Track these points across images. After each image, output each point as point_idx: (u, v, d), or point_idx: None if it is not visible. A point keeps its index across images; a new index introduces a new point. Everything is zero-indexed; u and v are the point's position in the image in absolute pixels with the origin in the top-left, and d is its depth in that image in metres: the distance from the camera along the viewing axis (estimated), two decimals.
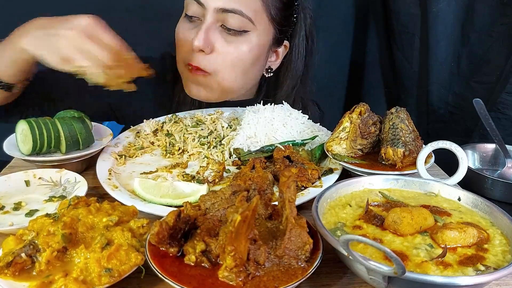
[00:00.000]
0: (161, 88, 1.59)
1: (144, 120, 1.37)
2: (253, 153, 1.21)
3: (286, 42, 1.53)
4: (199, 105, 1.54)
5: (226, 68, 1.39)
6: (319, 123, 1.38)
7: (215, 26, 1.34)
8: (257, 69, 1.50)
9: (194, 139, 1.27)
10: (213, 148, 1.26)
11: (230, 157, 1.23)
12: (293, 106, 1.38)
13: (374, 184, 0.95)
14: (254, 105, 1.39)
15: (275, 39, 1.47)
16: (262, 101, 1.39)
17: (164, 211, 0.91)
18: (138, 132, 1.34)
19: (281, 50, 1.54)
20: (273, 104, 1.35)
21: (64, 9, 2.05)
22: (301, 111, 1.36)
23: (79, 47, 1.04)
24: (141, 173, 1.15)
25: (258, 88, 1.63)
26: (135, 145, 1.28)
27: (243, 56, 1.39)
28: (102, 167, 1.12)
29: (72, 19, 1.08)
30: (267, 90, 1.61)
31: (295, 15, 1.48)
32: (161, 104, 1.57)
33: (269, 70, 1.55)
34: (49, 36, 1.06)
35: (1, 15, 2.01)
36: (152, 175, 1.14)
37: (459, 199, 0.91)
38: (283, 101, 1.37)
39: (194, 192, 1.01)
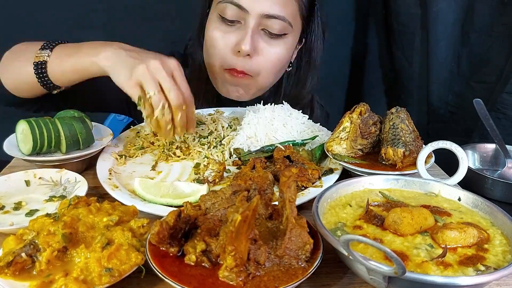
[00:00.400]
0: None
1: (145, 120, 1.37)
2: (253, 153, 1.21)
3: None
4: (217, 103, 1.56)
5: (267, 70, 1.43)
6: (319, 124, 1.38)
7: (257, 30, 1.36)
8: (285, 66, 1.55)
9: (194, 139, 1.28)
10: (213, 148, 1.26)
11: (230, 157, 1.23)
12: (312, 101, 1.46)
13: (375, 184, 0.95)
14: (254, 105, 1.39)
15: (300, 36, 1.51)
16: (278, 97, 1.48)
17: (164, 211, 0.91)
18: (138, 132, 1.34)
19: (299, 45, 1.58)
20: (273, 104, 1.35)
21: (65, 9, 2.06)
22: (318, 106, 1.43)
23: (156, 76, 1.03)
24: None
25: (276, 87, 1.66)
26: (135, 145, 1.28)
27: (282, 57, 1.44)
28: (102, 167, 1.12)
29: (160, 54, 1.09)
30: (285, 85, 1.63)
31: (314, 13, 1.51)
32: None
33: (289, 65, 1.58)
34: (131, 58, 1.07)
35: (1, 14, 2.02)
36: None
37: (459, 199, 0.91)
38: (283, 102, 1.38)
39: (194, 192, 1.01)
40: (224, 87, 1.48)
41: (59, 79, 1.20)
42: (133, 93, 1.04)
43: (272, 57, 1.41)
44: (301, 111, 1.37)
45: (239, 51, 1.36)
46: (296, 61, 1.59)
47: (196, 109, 1.48)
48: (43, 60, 1.17)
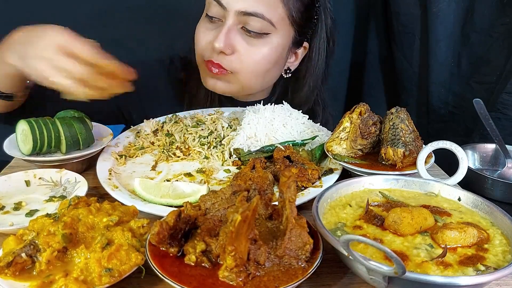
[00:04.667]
0: (170, 90, 1.61)
1: (144, 120, 1.37)
2: (253, 153, 1.21)
3: (305, 44, 1.54)
4: (210, 106, 1.56)
5: (247, 69, 1.42)
6: (319, 124, 1.38)
7: (236, 28, 1.36)
8: (276, 70, 1.52)
9: (194, 139, 1.28)
10: (213, 148, 1.26)
11: (230, 157, 1.23)
12: (314, 107, 1.46)
13: (374, 184, 0.95)
14: (254, 105, 1.39)
15: (295, 41, 1.49)
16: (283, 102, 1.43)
17: (164, 211, 0.91)
18: (138, 132, 1.34)
19: (300, 51, 1.56)
20: (273, 104, 1.35)
21: (65, 8, 2.06)
22: (321, 114, 1.44)
23: (56, 65, 1.00)
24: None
25: (272, 88, 1.65)
26: (135, 145, 1.28)
27: (264, 58, 1.41)
28: (102, 167, 1.12)
29: (45, 35, 1.03)
30: (286, 92, 1.63)
31: (315, 17, 1.50)
32: (172, 106, 1.57)
33: (287, 71, 1.57)
34: (28, 57, 1.03)
35: (1, 13, 2.02)
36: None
37: (459, 199, 0.91)
38: (283, 102, 1.37)
39: (194, 192, 1.01)
40: (205, 78, 1.49)
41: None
42: (52, 87, 1.01)
43: (252, 57, 1.39)
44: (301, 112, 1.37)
45: (213, 48, 1.36)
46: (298, 67, 1.58)
47: (196, 108, 1.51)
48: None
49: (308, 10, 1.45)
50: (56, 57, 1.00)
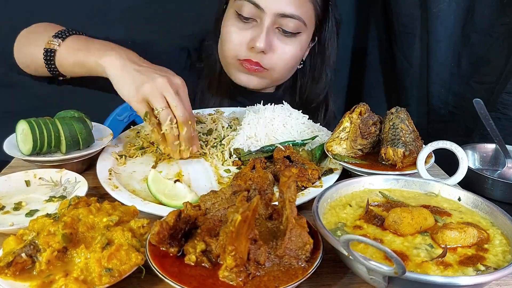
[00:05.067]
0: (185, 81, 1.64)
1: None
2: (253, 153, 1.21)
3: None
4: (220, 104, 1.61)
5: (280, 66, 1.49)
6: (319, 124, 1.38)
7: (272, 28, 1.41)
8: (298, 63, 1.61)
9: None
10: (213, 148, 1.26)
11: (230, 157, 1.23)
12: (326, 97, 1.60)
13: (375, 184, 0.95)
14: (254, 105, 1.39)
15: (313, 35, 1.56)
16: (293, 94, 1.61)
17: (164, 211, 0.91)
18: (138, 132, 1.34)
19: (311, 43, 1.63)
20: (273, 104, 1.36)
21: (65, 7, 2.06)
22: (332, 104, 1.58)
23: (163, 93, 1.06)
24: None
25: None
26: (135, 145, 1.28)
27: (295, 54, 1.50)
28: (102, 167, 1.12)
29: (166, 70, 1.13)
30: (300, 83, 1.69)
31: (328, 13, 1.56)
32: None
33: (301, 62, 1.64)
34: (137, 72, 1.09)
35: (1, 13, 2.02)
36: None
37: (459, 199, 0.91)
38: (283, 102, 1.38)
39: (187, 198, 1.01)
40: (237, 75, 1.53)
41: (65, 69, 1.26)
42: (140, 108, 1.07)
43: (286, 55, 1.47)
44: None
45: (253, 47, 1.41)
46: (310, 58, 1.64)
47: (209, 106, 1.56)
48: (53, 48, 1.23)
49: (326, 5, 1.52)
50: (168, 87, 1.06)
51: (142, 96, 1.06)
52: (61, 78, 1.29)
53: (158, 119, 1.08)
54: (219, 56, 1.57)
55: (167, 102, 1.07)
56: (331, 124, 1.51)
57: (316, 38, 1.59)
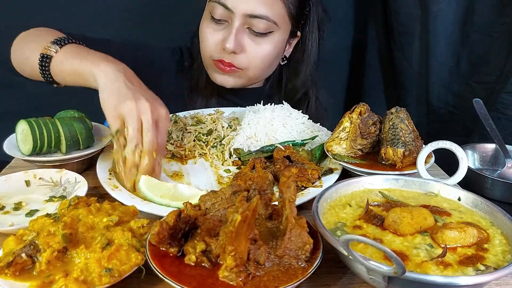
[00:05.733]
0: (173, 80, 1.67)
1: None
2: (253, 153, 1.21)
3: (298, 32, 1.62)
4: (210, 95, 1.63)
5: (254, 65, 1.51)
6: (319, 123, 1.38)
7: (242, 29, 1.43)
8: (277, 61, 1.62)
9: (194, 139, 1.27)
10: (213, 148, 1.26)
11: (230, 157, 1.23)
12: (308, 90, 1.62)
13: (374, 184, 0.95)
14: (254, 105, 1.39)
15: (291, 32, 1.57)
16: (280, 90, 1.62)
17: (164, 211, 0.91)
18: None
19: (294, 40, 1.64)
20: (273, 104, 1.36)
21: (57, 8, 2.06)
22: (314, 98, 1.61)
23: (141, 115, 1.00)
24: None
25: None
26: None
27: (269, 54, 1.51)
28: (102, 167, 1.12)
29: (155, 98, 1.07)
30: (280, 78, 1.71)
31: (307, 8, 1.58)
32: (174, 99, 1.59)
33: (283, 59, 1.66)
34: (126, 87, 1.03)
35: (1, 13, 2.02)
36: None
37: (459, 199, 0.91)
38: (283, 102, 1.38)
39: (193, 196, 1.01)
40: (213, 75, 1.56)
41: (59, 77, 1.23)
42: (114, 124, 1.02)
43: (259, 54, 1.49)
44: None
45: (224, 48, 1.43)
46: (293, 54, 1.66)
47: (197, 104, 1.59)
48: (49, 55, 1.20)
49: (302, 3, 1.53)
50: (147, 114, 1.00)
51: (119, 113, 1.01)
52: (55, 85, 1.27)
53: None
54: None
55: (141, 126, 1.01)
56: (323, 118, 1.50)
57: (299, 33, 1.61)
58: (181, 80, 1.68)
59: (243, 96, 1.61)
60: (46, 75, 1.23)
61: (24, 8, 1.99)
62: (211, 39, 1.47)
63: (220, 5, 1.41)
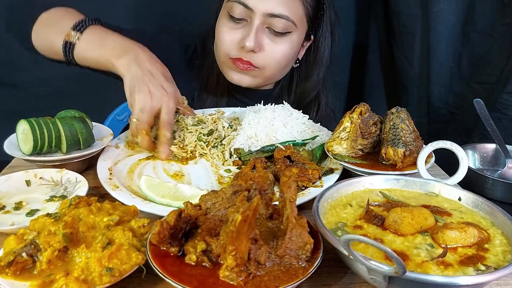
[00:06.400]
0: (182, 81, 1.66)
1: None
2: (254, 153, 1.21)
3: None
4: (218, 101, 1.65)
5: (271, 65, 1.52)
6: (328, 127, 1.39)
7: (262, 28, 1.44)
8: (292, 62, 1.63)
9: (195, 140, 1.27)
10: (213, 148, 1.26)
11: (230, 157, 1.23)
12: (318, 95, 1.64)
13: (375, 184, 0.95)
14: (254, 105, 1.39)
15: (306, 34, 1.58)
16: (290, 93, 1.66)
17: (165, 211, 0.91)
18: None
19: (307, 43, 1.65)
20: (273, 104, 1.36)
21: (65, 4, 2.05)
22: (324, 102, 1.63)
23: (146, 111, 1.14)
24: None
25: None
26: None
27: (287, 54, 1.52)
28: (102, 167, 1.12)
29: (171, 84, 1.22)
30: (291, 80, 1.72)
31: (321, 12, 1.59)
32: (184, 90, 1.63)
33: (296, 61, 1.67)
34: (142, 82, 1.17)
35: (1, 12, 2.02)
36: None
37: (459, 199, 0.91)
38: (283, 102, 1.38)
39: (194, 196, 1.01)
40: (230, 73, 1.56)
41: (82, 63, 1.32)
42: (133, 111, 1.17)
43: (277, 53, 1.49)
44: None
45: (243, 47, 1.44)
46: (305, 57, 1.66)
47: (207, 104, 1.62)
48: (72, 42, 1.28)
49: (318, 6, 1.54)
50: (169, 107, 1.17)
51: (130, 102, 1.17)
52: (77, 66, 1.35)
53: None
54: (215, 56, 1.61)
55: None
56: (330, 122, 1.51)
57: (312, 37, 1.61)
58: (190, 78, 1.69)
59: (253, 97, 1.60)
60: (69, 60, 1.32)
61: None
62: (229, 37, 1.48)
63: (240, 4, 1.42)
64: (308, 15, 1.51)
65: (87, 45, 1.29)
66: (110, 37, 1.29)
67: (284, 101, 1.38)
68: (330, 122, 1.48)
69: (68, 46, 1.29)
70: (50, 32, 1.34)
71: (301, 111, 1.38)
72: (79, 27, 1.29)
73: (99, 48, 1.27)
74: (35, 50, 1.40)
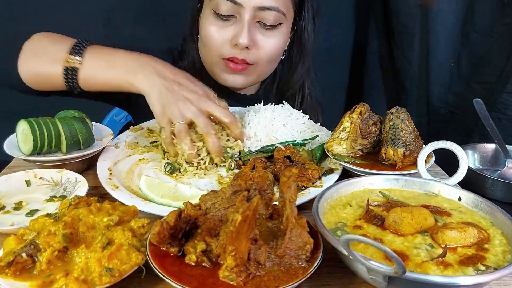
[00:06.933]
0: None
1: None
2: (254, 153, 1.21)
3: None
4: None
5: (264, 60, 1.47)
6: (319, 124, 1.38)
7: (253, 22, 1.39)
8: (280, 55, 1.58)
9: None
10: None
11: (232, 169, 1.23)
12: (302, 85, 1.60)
13: (375, 184, 0.95)
14: (255, 105, 1.39)
15: (293, 24, 1.54)
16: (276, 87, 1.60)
17: (164, 211, 0.91)
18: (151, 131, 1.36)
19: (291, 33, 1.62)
20: (273, 104, 1.36)
21: (65, 7, 2.06)
22: (308, 93, 1.57)
23: (186, 115, 1.13)
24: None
25: None
26: (137, 143, 1.28)
27: (278, 46, 1.48)
28: (102, 167, 1.12)
29: (198, 83, 1.20)
30: (274, 77, 1.68)
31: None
32: None
33: (284, 53, 1.62)
34: (165, 89, 1.14)
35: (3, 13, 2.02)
36: None
37: (459, 199, 0.91)
38: (284, 102, 1.38)
39: (194, 196, 1.01)
40: (222, 75, 1.50)
41: (89, 87, 1.23)
42: (165, 126, 1.15)
43: (270, 48, 1.44)
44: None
45: (236, 45, 1.38)
46: (289, 47, 1.62)
47: None
48: (74, 67, 1.18)
49: None
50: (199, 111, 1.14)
51: (168, 118, 1.14)
52: (78, 91, 1.25)
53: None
54: (200, 57, 1.54)
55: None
56: (316, 112, 1.49)
57: (296, 28, 1.57)
58: None
59: (239, 97, 1.57)
60: (73, 86, 1.21)
61: (25, 8, 2.00)
62: (219, 37, 1.41)
63: (227, 0, 1.35)
64: (295, 4, 1.47)
65: (94, 68, 1.19)
66: (116, 54, 1.21)
67: (284, 102, 1.37)
68: (316, 113, 1.46)
69: (70, 73, 1.19)
70: (40, 62, 1.22)
71: (283, 102, 1.37)
72: (77, 51, 1.19)
73: (110, 68, 1.18)
74: (21, 86, 1.26)
